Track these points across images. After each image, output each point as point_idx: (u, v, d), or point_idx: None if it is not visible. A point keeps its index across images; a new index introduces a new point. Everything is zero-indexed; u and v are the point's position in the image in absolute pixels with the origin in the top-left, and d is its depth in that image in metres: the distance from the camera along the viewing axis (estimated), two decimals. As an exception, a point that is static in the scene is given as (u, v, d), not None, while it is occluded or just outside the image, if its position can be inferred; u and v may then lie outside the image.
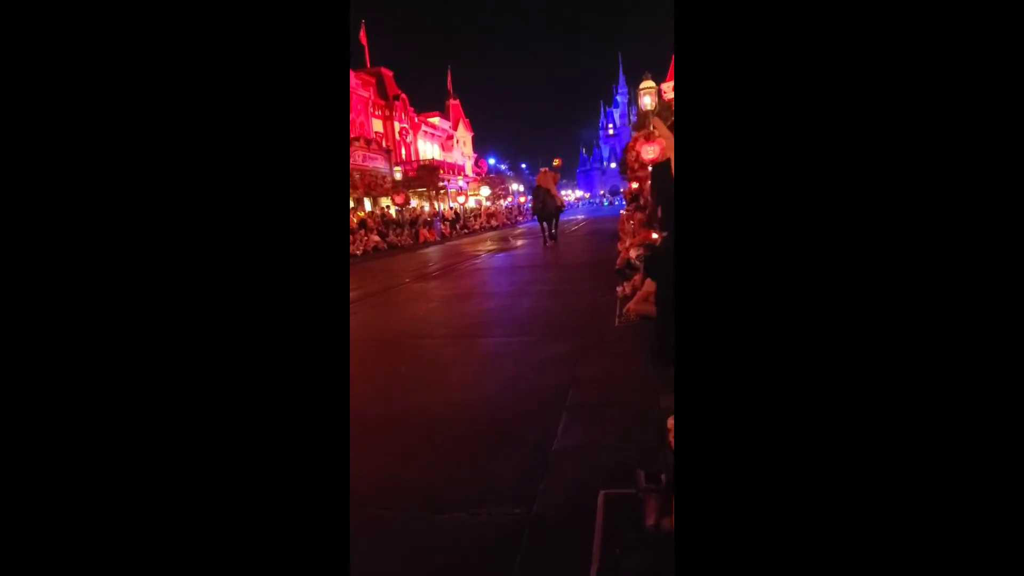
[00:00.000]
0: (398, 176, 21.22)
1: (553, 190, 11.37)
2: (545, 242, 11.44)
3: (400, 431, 2.36)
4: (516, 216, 29.20)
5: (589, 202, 76.06)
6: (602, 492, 1.63)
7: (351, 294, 6.48)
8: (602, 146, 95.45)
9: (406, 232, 16.31)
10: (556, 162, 12.07)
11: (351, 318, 5.01)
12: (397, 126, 24.65)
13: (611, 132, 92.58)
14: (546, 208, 11.38)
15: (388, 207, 19.06)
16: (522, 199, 32.51)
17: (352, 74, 21.77)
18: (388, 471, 1.96)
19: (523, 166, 44.81)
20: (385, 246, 14.31)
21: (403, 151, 24.77)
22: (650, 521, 1.43)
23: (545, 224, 11.59)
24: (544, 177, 11.51)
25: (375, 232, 14.65)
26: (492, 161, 35.10)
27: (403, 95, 25.48)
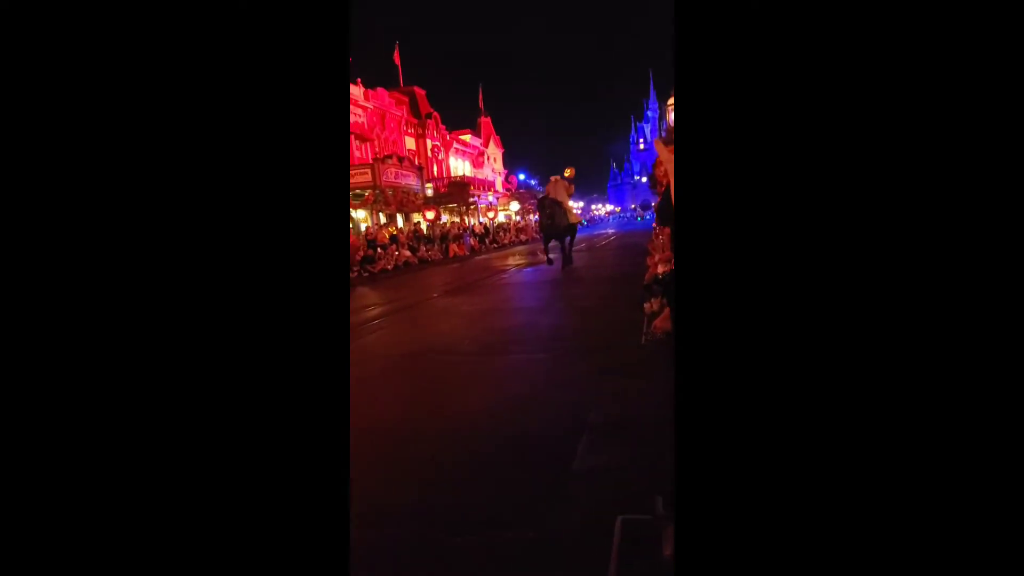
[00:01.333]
0: (429, 192, 21.56)
1: (566, 203, 8.82)
2: (550, 263, 9.01)
3: (421, 446, 2.35)
4: (546, 231, 29.25)
5: (620, 216, 75.95)
6: (619, 517, 1.59)
7: (379, 309, 6.56)
8: (632, 161, 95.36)
9: (436, 247, 16.53)
10: (568, 171, 9.00)
11: (379, 333, 5.09)
12: (429, 144, 25.11)
13: (642, 147, 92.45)
14: (555, 224, 8.71)
15: (419, 223, 19.36)
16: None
17: (385, 93, 22.32)
18: (403, 490, 1.96)
19: (553, 180, 44.82)
20: (416, 261, 14.51)
21: (435, 168, 25.18)
22: (668, 549, 1.39)
23: (553, 244, 8.98)
24: (554, 186, 8.90)
25: (406, 247, 14.89)
26: (522, 176, 35.38)
27: (435, 113, 25.99)
